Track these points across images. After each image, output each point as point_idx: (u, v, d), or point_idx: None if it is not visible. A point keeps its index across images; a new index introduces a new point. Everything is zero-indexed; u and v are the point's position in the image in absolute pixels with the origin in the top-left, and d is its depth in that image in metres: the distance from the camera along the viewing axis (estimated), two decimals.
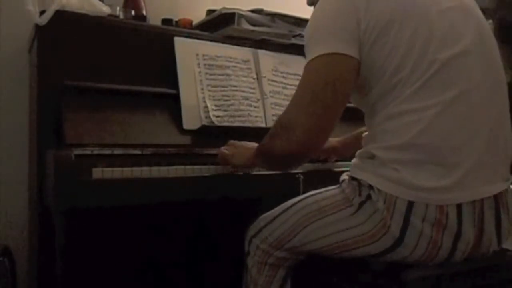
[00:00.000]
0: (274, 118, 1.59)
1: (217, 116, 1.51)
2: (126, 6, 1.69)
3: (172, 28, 1.68)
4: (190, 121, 1.47)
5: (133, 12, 1.66)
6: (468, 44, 1.02)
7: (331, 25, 1.04)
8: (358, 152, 1.12)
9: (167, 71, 1.51)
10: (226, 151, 1.31)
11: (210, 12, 1.80)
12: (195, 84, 1.52)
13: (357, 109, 1.19)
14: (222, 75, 1.59)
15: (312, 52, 1.04)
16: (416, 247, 0.99)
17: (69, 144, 1.24)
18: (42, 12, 1.38)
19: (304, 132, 1.02)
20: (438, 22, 1.02)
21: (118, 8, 1.60)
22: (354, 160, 1.13)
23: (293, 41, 1.76)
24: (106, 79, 1.42)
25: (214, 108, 1.52)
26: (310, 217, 1.10)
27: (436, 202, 0.97)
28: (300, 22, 1.80)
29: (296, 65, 1.72)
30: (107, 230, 1.53)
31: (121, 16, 1.62)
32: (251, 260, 1.19)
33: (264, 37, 1.71)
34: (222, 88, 1.57)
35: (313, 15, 1.10)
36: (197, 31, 1.69)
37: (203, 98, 1.51)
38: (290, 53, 1.75)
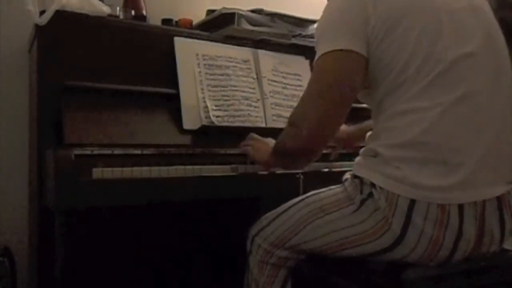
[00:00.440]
0: (274, 118, 1.59)
1: (217, 116, 1.51)
2: (126, 6, 1.69)
3: (172, 28, 1.68)
4: (190, 121, 1.47)
5: (133, 12, 1.66)
6: (476, 46, 1.02)
7: (339, 23, 1.05)
8: (361, 150, 1.12)
9: (167, 71, 1.51)
10: (250, 146, 1.34)
11: (210, 12, 1.80)
12: (195, 84, 1.52)
13: (360, 109, 1.19)
14: (222, 75, 1.59)
15: (321, 49, 1.05)
16: (417, 246, 0.99)
17: (69, 144, 1.24)
18: (42, 12, 1.38)
19: (311, 128, 1.03)
20: (446, 22, 1.02)
21: (118, 8, 1.60)
22: (357, 159, 1.13)
23: (293, 41, 1.76)
24: (106, 79, 1.42)
25: (214, 108, 1.52)
26: (312, 215, 1.11)
27: (438, 201, 0.97)
28: (300, 22, 1.81)
29: (296, 65, 1.72)
30: (107, 230, 1.53)
31: (121, 16, 1.61)
32: (253, 259, 1.20)
33: (264, 37, 1.71)
34: (222, 88, 1.57)
35: (323, 13, 1.11)
36: (197, 31, 1.69)
37: (203, 98, 1.51)
38: (290, 53, 1.76)
